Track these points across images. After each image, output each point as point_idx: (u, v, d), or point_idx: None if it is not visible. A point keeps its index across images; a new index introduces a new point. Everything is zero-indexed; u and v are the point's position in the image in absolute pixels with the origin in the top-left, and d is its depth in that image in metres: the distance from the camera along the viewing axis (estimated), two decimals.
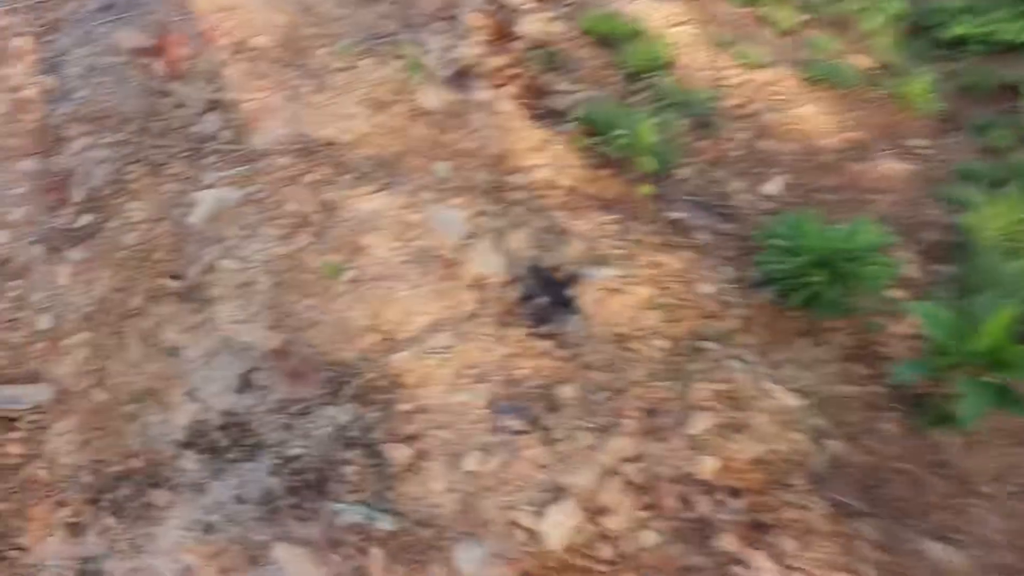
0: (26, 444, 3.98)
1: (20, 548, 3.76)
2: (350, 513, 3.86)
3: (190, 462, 4.01)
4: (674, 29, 7.64)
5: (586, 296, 4.90)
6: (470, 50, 6.78)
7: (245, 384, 4.23)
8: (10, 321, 4.37)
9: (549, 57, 7.21)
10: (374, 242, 4.72)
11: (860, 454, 4.59)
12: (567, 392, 4.40)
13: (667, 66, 7.23)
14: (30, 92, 5.38)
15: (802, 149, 6.69)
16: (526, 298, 4.74)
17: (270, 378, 4.24)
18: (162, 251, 4.61)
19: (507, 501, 3.93)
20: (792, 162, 6.57)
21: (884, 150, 6.70)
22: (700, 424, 4.40)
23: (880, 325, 5.15)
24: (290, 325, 4.39)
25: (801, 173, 6.44)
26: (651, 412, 4.44)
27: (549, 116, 6.61)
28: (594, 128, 6.30)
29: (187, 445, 4.08)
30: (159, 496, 3.89)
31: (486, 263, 4.81)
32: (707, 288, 5.25)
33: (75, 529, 3.79)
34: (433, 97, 5.96)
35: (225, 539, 3.77)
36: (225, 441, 4.11)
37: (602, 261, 5.20)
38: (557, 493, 3.96)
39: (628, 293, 5.05)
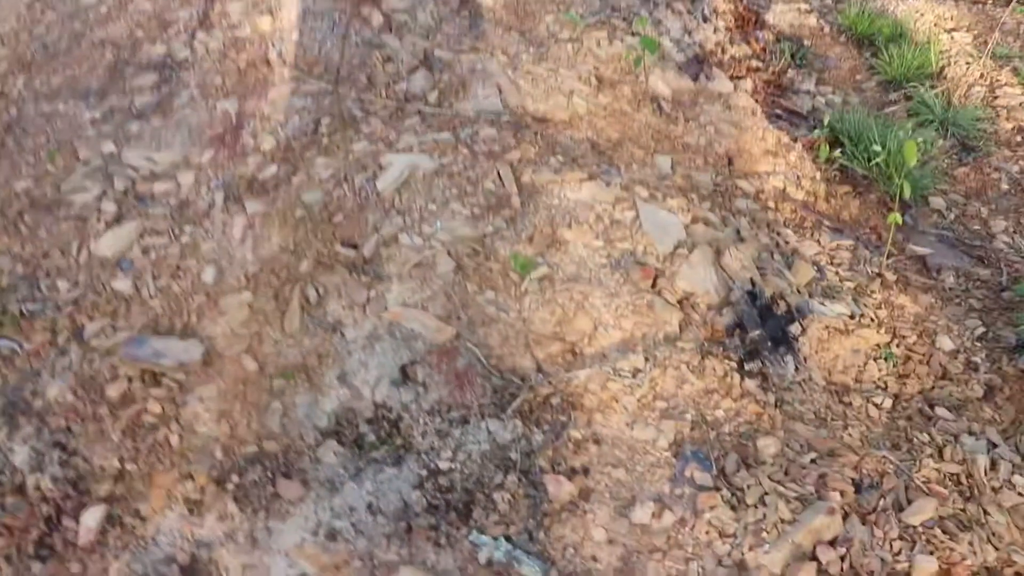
0: (165, 404, 3.53)
1: (139, 516, 3.30)
2: (492, 548, 3.22)
3: (330, 454, 3.46)
4: (946, 35, 6.57)
5: (808, 333, 4.06)
6: (712, 35, 5.97)
7: (404, 377, 3.65)
8: (176, 268, 3.94)
9: (797, 52, 6.30)
10: (574, 237, 4.03)
11: None
12: (768, 446, 3.60)
13: (933, 76, 6.19)
14: (245, 31, 4.95)
15: None
16: (736, 327, 3.95)
17: (432, 375, 3.64)
18: (342, 215, 4.07)
19: (677, 570, 3.18)
20: None
21: None
22: (921, 513, 3.52)
23: None
24: (464, 319, 3.76)
25: None
26: (863, 487, 3.58)
27: (789, 118, 5.74)
28: (840, 137, 5.40)
29: (330, 434, 3.54)
30: (288, 488, 3.36)
31: (697, 279, 4.04)
32: (948, 343, 4.32)
33: (196, 507, 3.31)
34: (664, 82, 5.20)
35: (349, 551, 3.21)
36: (372, 436, 3.55)
37: (830, 294, 4.34)
38: (738, 571, 3.18)
39: (855, 336, 4.19)
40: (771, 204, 4.81)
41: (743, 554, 3.25)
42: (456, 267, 3.90)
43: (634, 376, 3.70)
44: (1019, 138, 5.91)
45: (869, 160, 5.27)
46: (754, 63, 6.13)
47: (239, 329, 3.75)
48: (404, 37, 4.85)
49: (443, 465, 3.43)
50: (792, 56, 6.28)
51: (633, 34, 5.36)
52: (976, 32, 6.72)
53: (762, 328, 3.87)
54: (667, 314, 3.88)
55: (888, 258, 4.73)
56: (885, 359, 4.21)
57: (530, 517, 3.32)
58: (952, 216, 5.31)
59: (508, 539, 3.27)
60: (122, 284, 3.90)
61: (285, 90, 4.60)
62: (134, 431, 3.49)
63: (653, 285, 3.96)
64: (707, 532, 3.30)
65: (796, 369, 3.92)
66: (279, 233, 4.03)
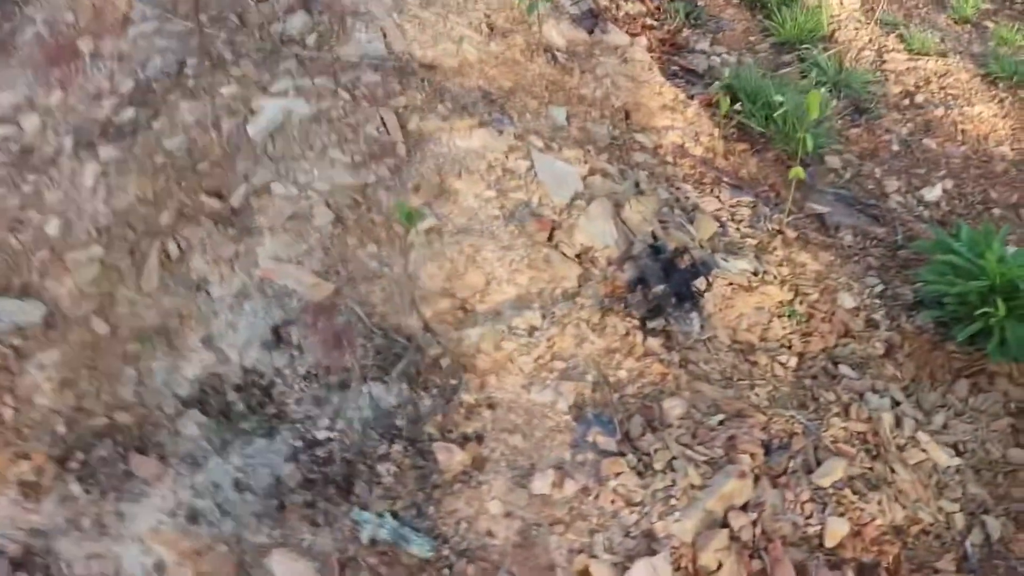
0: None
1: None
2: (376, 526, 2.78)
3: (192, 426, 2.97)
4: (835, 1, 6.32)
5: (712, 290, 3.72)
6: None
7: (277, 339, 3.18)
8: (16, 221, 3.36)
9: (690, 12, 5.97)
10: (464, 187, 3.60)
11: None
12: (674, 408, 3.25)
13: (824, 39, 5.94)
14: None
15: (972, 153, 5.36)
16: (639, 282, 3.58)
17: (308, 336, 3.17)
18: (208, 163, 3.55)
19: (581, 543, 2.80)
20: (959, 167, 5.26)
21: None
22: (832, 474, 3.23)
23: None
24: (344, 275, 3.30)
25: (969, 181, 5.13)
26: (773, 449, 3.27)
27: (685, 76, 5.40)
28: (738, 95, 5.08)
29: (193, 404, 3.05)
30: (143, 465, 2.86)
31: (596, 232, 3.66)
32: (849, 300, 4.04)
33: (32, 491, 2.78)
34: (558, 33, 4.79)
35: (213, 534, 2.74)
36: (241, 406, 3.07)
37: (732, 250, 4.02)
38: (647, 541, 2.82)
39: (759, 293, 3.87)
40: (669, 159, 4.46)
41: (651, 523, 2.89)
42: (335, 219, 3.42)
43: (530, 335, 3.30)
44: (907, 102, 5.70)
45: (767, 118, 4.97)
46: (648, 21, 5.78)
47: (88, 288, 3.21)
48: None
49: (320, 435, 2.98)
50: (686, 16, 5.95)
51: None
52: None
53: (666, 283, 3.51)
54: (565, 268, 3.48)
55: (788, 215, 4.44)
56: (789, 316, 3.90)
57: (419, 490, 2.90)
58: (848, 175, 5.05)
59: (394, 515, 2.84)
60: None
61: (146, 28, 4.03)
62: None
63: (550, 238, 3.57)
64: (613, 501, 2.93)
65: (702, 327, 3.58)
66: (136, 182, 3.48)
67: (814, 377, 3.76)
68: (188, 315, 3.19)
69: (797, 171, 4.14)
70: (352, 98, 3.85)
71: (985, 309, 3.71)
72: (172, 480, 2.84)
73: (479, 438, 3.04)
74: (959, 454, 3.54)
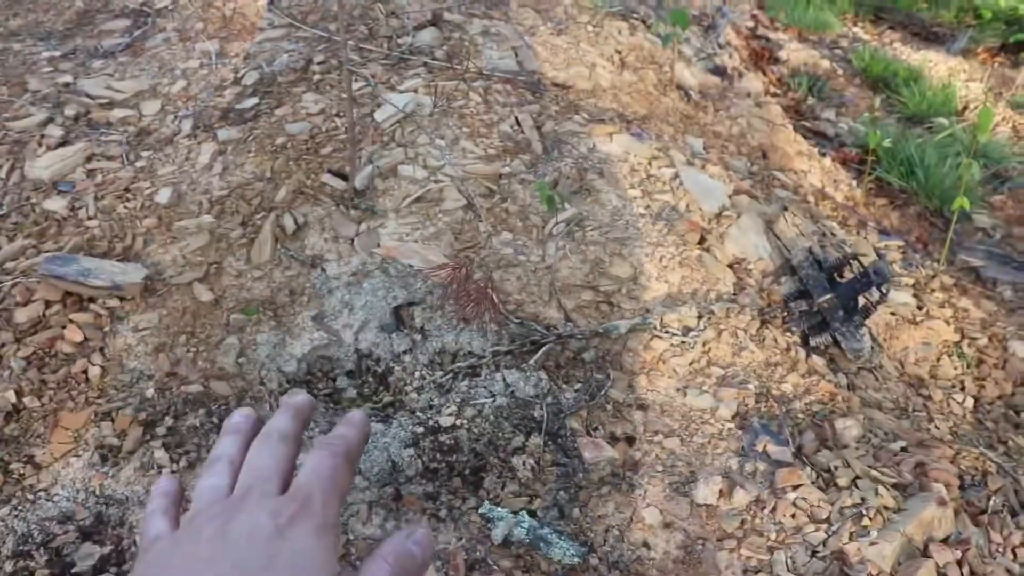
0: (89, 332, 2.49)
1: (32, 462, 2.23)
2: (512, 525, 2.17)
3: None
4: (960, 83, 5.87)
5: (878, 315, 3.13)
6: (728, 60, 5.20)
7: (398, 321, 2.65)
8: (125, 191, 2.95)
9: (812, 85, 5.55)
10: (606, 186, 3.10)
11: None
12: (848, 428, 2.62)
13: (956, 113, 5.45)
14: None
15: None
16: (798, 296, 3.00)
17: (435, 319, 2.64)
18: (333, 146, 3.12)
19: (758, 561, 2.15)
20: None
21: None
22: None
23: None
24: (476, 259, 2.79)
25: None
26: (967, 484, 2.60)
27: (814, 137, 4.92)
28: (875, 154, 4.58)
29: (299, 383, 2.52)
30: None
31: (748, 245, 3.12)
32: (1022, 349, 3.39)
33: (112, 455, 2.24)
34: (690, 73, 4.37)
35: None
36: (352, 391, 2.53)
37: (891, 284, 3.43)
38: (839, 565, 2.16)
39: (924, 327, 3.26)
40: (810, 199, 3.94)
41: (842, 543, 2.23)
42: (466, 205, 2.94)
43: (685, 335, 2.72)
44: None
45: (908, 174, 4.46)
46: (772, 89, 5.36)
47: (193, 256, 2.74)
48: None
49: (445, 422, 2.41)
50: (809, 89, 5.52)
51: (654, 34, 4.56)
52: (989, 85, 6.04)
53: (832, 293, 2.92)
54: (720, 271, 2.93)
55: (943, 263, 3.87)
56: (959, 357, 3.28)
57: (561, 489, 2.29)
58: (998, 236, 4.46)
59: (532, 514, 2.22)
60: (55, 204, 2.90)
61: (274, 34, 3.71)
62: (42, 361, 2.43)
63: (701, 241, 3.03)
64: (793, 515, 2.28)
65: (873, 347, 2.97)
66: (255, 160, 3.06)
67: (995, 421, 3.11)
68: (300, 291, 2.70)
69: (962, 201, 3.58)
70: (484, 101, 3.44)
71: None
72: None
73: (629, 439, 2.43)
74: None
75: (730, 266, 3.04)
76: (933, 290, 3.60)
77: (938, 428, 2.89)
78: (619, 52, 4.21)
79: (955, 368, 3.26)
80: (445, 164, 3.02)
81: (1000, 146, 5.13)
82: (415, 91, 3.37)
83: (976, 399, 3.20)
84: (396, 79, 3.47)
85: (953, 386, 3.21)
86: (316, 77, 3.44)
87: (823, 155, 4.52)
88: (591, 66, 3.94)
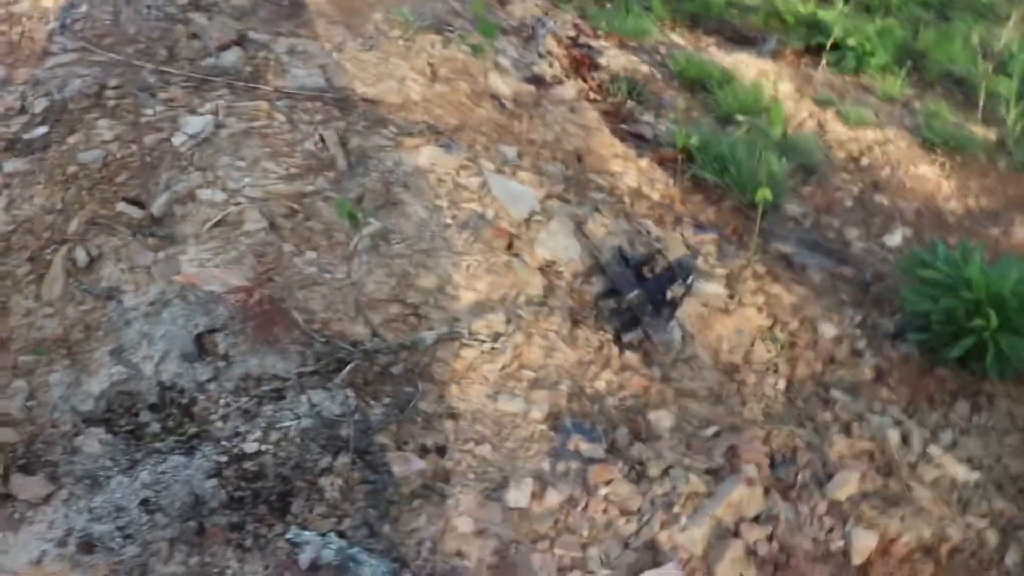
0: None
1: None
2: (319, 547, 2.14)
3: (93, 443, 2.34)
4: (769, 83, 6.16)
5: (687, 308, 3.24)
6: (548, 68, 5.30)
7: (200, 349, 2.58)
8: None
9: (632, 89, 5.71)
10: (412, 198, 3.11)
11: None
12: (661, 420, 2.73)
13: (766, 112, 5.71)
14: (23, 6, 3.90)
15: (924, 207, 5.08)
16: (610, 294, 3.08)
17: (238, 344, 2.59)
18: (128, 174, 3.02)
19: (572, 559, 2.20)
20: (913, 219, 4.96)
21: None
22: (846, 486, 2.71)
23: None
24: (279, 281, 2.75)
25: (925, 230, 4.81)
26: (778, 462, 2.75)
27: (633, 139, 5.07)
28: (686, 152, 4.75)
29: (97, 422, 2.42)
30: (27, 486, 2.21)
31: (559, 247, 3.19)
32: (830, 330, 3.61)
33: None
34: (504, 83, 4.44)
35: (112, 563, 2.07)
36: (155, 425, 2.45)
37: (704, 276, 3.56)
38: (651, 553, 2.23)
39: (737, 315, 3.41)
40: (626, 199, 4.05)
41: (654, 533, 2.30)
42: (269, 226, 2.89)
43: (494, 341, 2.75)
44: (853, 165, 5.46)
45: (722, 171, 4.64)
46: (591, 95, 5.49)
47: None
48: (214, 17, 3.92)
49: (250, 448, 2.36)
50: (629, 93, 5.68)
51: (469, 45, 4.60)
52: (796, 84, 6.37)
53: (640, 288, 3.01)
54: (528, 275, 2.98)
55: (754, 252, 4.04)
56: (771, 341, 3.43)
57: (370, 507, 2.28)
58: (808, 223, 4.70)
59: (341, 535, 2.20)
60: None
61: (66, 59, 3.56)
62: None
63: (509, 247, 3.07)
64: (605, 510, 2.34)
65: (683, 337, 3.07)
66: (44, 192, 2.92)
67: (806, 400, 3.26)
68: (96, 326, 2.59)
69: (764, 192, 3.76)
70: (288, 120, 3.39)
71: (975, 323, 3.32)
72: (63, 503, 2.18)
73: (441, 450, 2.44)
74: (976, 469, 3.05)
75: (540, 269, 3.09)
76: (746, 279, 3.75)
77: (751, 411, 3.01)
78: (431, 65, 4.23)
79: (768, 352, 3.41)
80: (245, 186, 2.96)
81: (807, 140, 5.42)
82: (215, 113, 3.30)
83: (788, 380, 3.36)
84: (197, 101, 3.39)
85: (767, 369, 3.35)
86: (111, 103, 3.32)
87: (640, 156, 4.66)
88: (401, 80, 3.95)
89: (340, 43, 4.08)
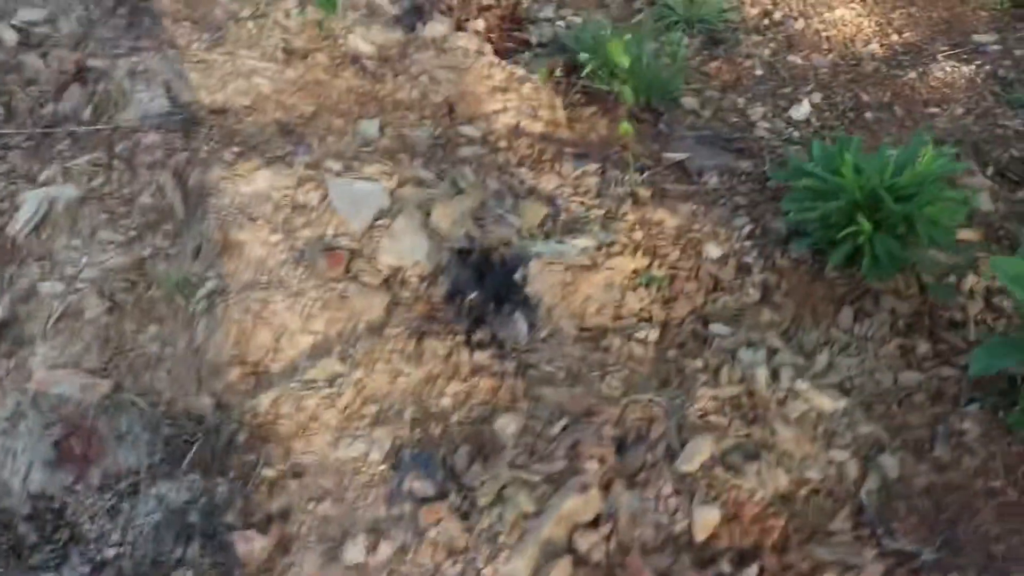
0: None
1: None
2: None
3: None
4: None
5: (544, 280, 3.30)
6: None
7: (60, 455, 2.79)
8: None
9: None
10: (249, 237, 3.19)
11: (929, 472, 2.96)
12: (507, 426, 2.86)
13: None
14: None
15: (840, 59, 4.93)
16: (456, 294, 3.17)
17: (93, 444, 2.79)
18: None
19: None
20: (828, 76, 4.84)
21: (943, 51, 4.87)
22: (698, 455, 2.83)
23: (948, 286, 3.47)
24: (124, 366, 2.91)
25: (838, 89, 4.70)
26: (627, 445, 2.87)
27: (523, 51, 4.95)
28: (579, 58, 4.63)
29: None
30: None
31: (404, 250, 3.25)
32: (715, 250, 3.63)
33: None
34: (366, 40, 4.36)
35: None
36: (33, 537, 2.69)
37: (573, 228, 3.60)
38: None
39: (605, 269, 3.45)
40: (503, 144, 4.03)
41: (479, 570, 2.50)
42: (109, 307, 3.03)
43: (331, 384, 2.89)
44: (766, 21, 5.25)
45: (612, 75, 4.52)
46: (484, 1, 5.32)
47: None
48: (49, 52, 3.92)
49: (110, 553, 2.60)
50: None
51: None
52: None
53: (480, 288, 3.10)
54: (365, 301, 3.07)
55: (643, 173, 4.02)
56: (646, 285, 3.48)
57: None
58: (708, 114, 4.60)
59: None
60: None
61: None
62: None
63: (347, 271, 3.15)
64: (432, 555, 2.53)
65: (532, 326, 3.16)
66: None
67: (681, 346, 3.33)
68: None
69: (625, 128, 3.72)
70: (129, 167, 3.45)
71: (850, 228, 3.33)
72: None
73: (285, 515, 2.64)
74: (846, 393, 3.13)
75: (386, 281, 3.18)
76: (625, 214, 3.76)
77: (610, 386, 3.10)
78: (286, 42, 4.17)
79: (641, 300, 3.47)
80: (83, 267, 3.09)
81: (714, 4, 5.19)
82: (55, 180, 3.39)
83: (664, 325, 3.43)
84: (36, 167, 3.47)
85: (639, 322, 3.42)
86: None
87: (525, 81, 4.55)
88: (250, 75, 3.92)
89: (185, 46, 4.05)
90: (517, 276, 3.18)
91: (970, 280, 3.48)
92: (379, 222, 3.31)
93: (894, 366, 3.25)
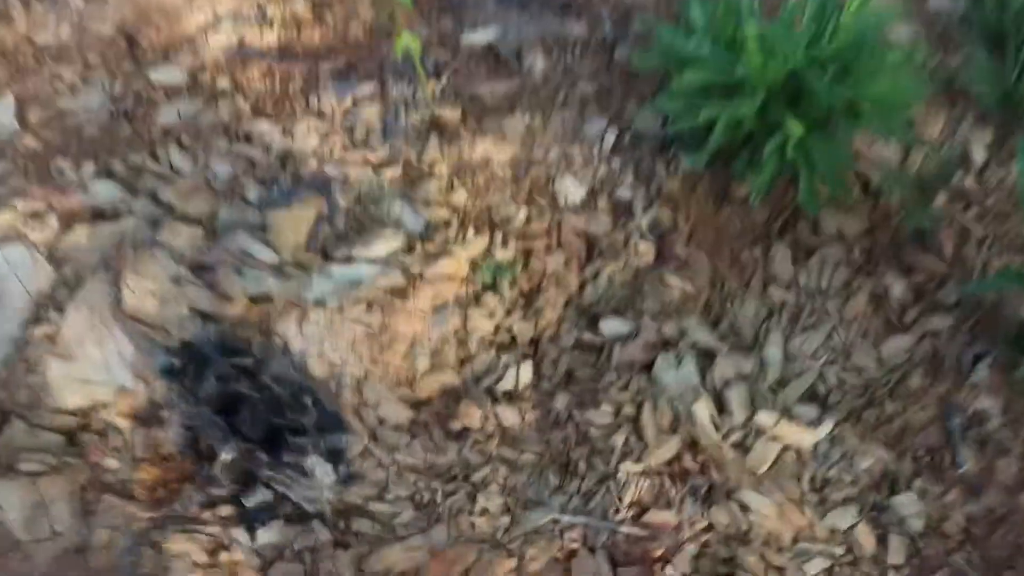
0: None
1: None
2: None
3: None
4: None
5: (336, 347, 2.07)
6: None
7: None
8: None
9: None
10: None
11: (960, 501, 2.13)
12: None
13: None
14: None
15: None
16: (193, 444, 1.84)
17: None
18: None
19: None
20: None
21: None
22: None
23: (921, 202, 2.48)
24: None
25: None
26: None
27: None
28: None
29: None
30: None
31: (88, 372, 1.88)
32: (575, 189, 2.76)
33: None
34: None
35: None
36: None
37: (361, 227, 2.36)
38: None
39: (428, 281, 2.38)
40: (224, 85, 2.60)
41: None
42: None
43: None
44: None
45: None
46: None
47: None
48: None
49: None
50: None
51: None
52: None
53: (237, 438, 1.77)
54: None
55: (439, 76, 2.71)
56: (493, 285, 2.36)
57: None
58: None
59: None
60: None
61: None
62: None
63: None
64: None
65: (337, 455, 1.89)
66: None
67: (569, 381, 2.24)
68: None
69: (401, 41, 2.33)
70: None
71: (776, 140, 2.19)
72: None
73: None
74: (822, 404, 2.13)
75: (68, 435, 1.82)
76: (432, 163, 2.45)
77: (483, 507, 1.94)
78: None
79: (492, 315, 2.29)
80: None
81: None
82: None
83: (535, 348, 2.33)
84: None
85: (497, 357, 2.25)
86: None
87: None
88: None
89: None
90: (294, 373, 1.85)
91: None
92: (41, 330, 1.89)
93: (871, 332, 2.25)
